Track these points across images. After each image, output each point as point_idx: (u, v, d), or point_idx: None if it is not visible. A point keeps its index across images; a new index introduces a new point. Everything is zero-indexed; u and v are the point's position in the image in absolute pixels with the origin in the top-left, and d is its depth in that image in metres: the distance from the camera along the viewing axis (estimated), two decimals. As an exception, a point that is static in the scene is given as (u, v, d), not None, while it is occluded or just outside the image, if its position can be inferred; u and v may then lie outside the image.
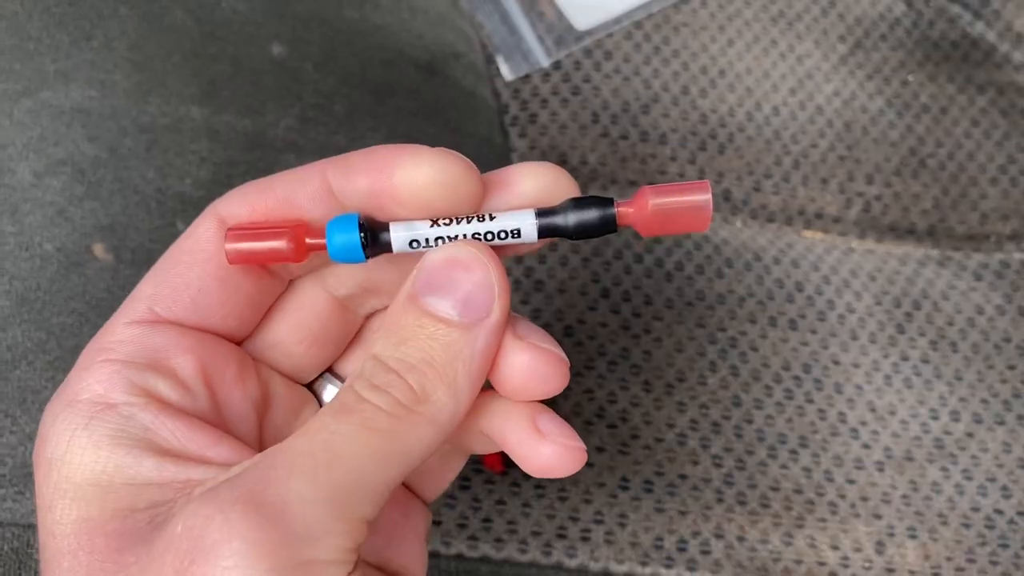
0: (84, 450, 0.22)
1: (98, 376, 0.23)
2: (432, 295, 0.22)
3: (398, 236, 0.23)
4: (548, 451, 0.24)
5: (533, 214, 0.23)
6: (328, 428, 0.21)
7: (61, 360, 0.37)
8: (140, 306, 0.24)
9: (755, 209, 0.49)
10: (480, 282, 0.22)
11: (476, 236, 0.23)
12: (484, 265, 0.22)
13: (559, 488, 0.39)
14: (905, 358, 0.45)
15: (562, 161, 0.48)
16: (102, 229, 0.39)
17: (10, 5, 0.42)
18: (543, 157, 0.48)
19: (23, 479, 0.35)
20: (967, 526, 0.41)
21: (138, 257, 0.38)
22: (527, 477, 0.39)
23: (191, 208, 0.40)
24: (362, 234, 0.22)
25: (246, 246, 0.23)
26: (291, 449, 0.21)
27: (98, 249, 0.39)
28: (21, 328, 0.37)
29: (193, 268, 0.24)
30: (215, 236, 0.24)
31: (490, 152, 0.47)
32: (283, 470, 0.20)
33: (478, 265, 0.22)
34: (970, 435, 0.43)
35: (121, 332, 0.23)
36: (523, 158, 0.48)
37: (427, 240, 0.23)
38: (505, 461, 0.39)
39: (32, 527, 0.35)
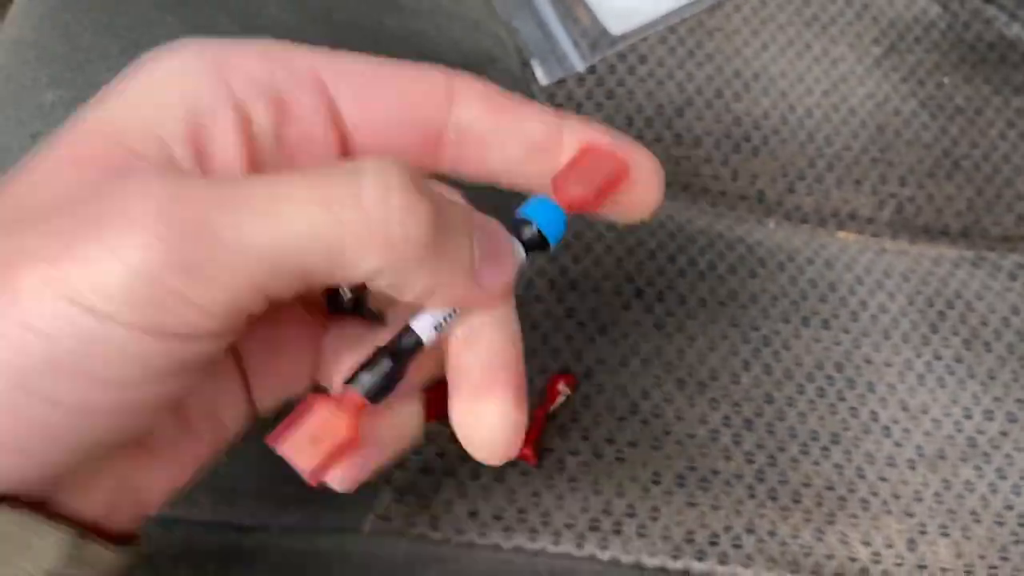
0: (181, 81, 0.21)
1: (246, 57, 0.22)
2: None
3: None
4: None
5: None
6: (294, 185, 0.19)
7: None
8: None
9: (789, 211, 0.50)
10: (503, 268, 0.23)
11: None
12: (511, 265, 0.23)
13: (593, 481, 0.40)
14: (938, 357, 0.45)
15: (597, 163, 0.49)
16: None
17: (62, 15, 0.44)
18: (578, 159, 0.49)
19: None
20: (1001, 524, 0.41)
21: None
22: (562, 470, 0.40)
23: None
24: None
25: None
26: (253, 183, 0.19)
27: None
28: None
29: None
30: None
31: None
32: (236, 196, 0.18)
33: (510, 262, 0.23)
34: (1004, 434, 0.43)
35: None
36: (558, 160, 0.49)
37: None
38: (538, 454, 0.40)
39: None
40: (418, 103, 0.22)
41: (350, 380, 0.21)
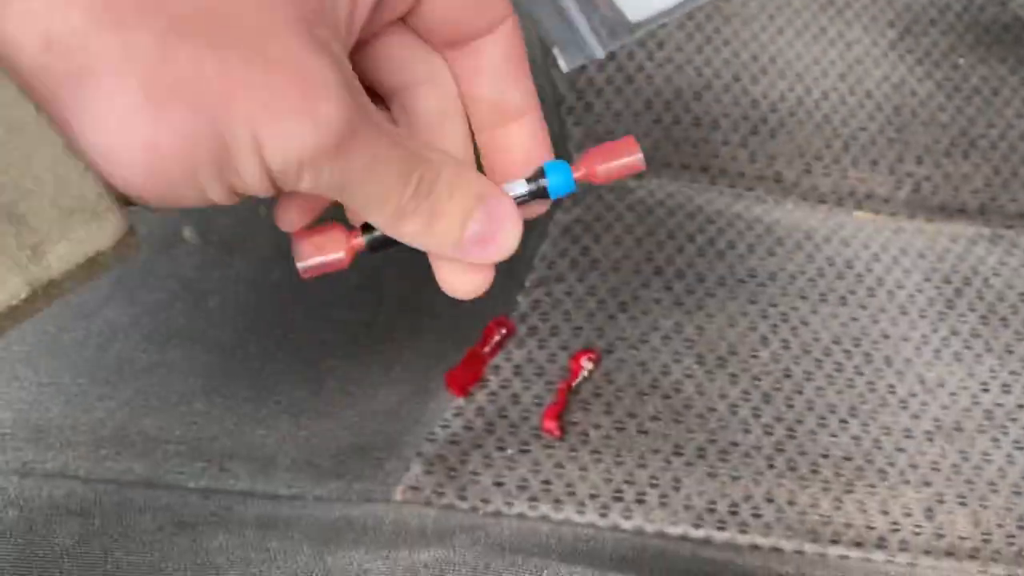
0: None
1: None
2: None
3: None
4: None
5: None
6: None
7: (155, 333, 0.40)
8: None
9: (806, 191, 0.51)
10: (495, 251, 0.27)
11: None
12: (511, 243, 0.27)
13: (615, 453, 0.41)
14: (955, 332, 0.46)
15: (617, 147, 0.50)
16: (190, 214, 0.42)
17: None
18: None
19: (120, 442, 0.39)
20: (1018, 494, 0.42)
21: (224, 239, 0.42)
22: (584, 442, 0.41)
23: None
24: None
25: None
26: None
27: (187, 233, 0.42)
28: (118, 306, 0.41)
29: None
30: None
31: (548, 139, 0.50)
32: None
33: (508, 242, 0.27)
34: (1021, 407, 0.44)
35: None
36: (579, 147, 0.50)
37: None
38: (562, 427, 0.41)
39: (128, 485, 0.38)
40: None
41: (365, 229, 0.27)
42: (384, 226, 0.25)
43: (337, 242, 0.26)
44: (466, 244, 0.25)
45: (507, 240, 0.26)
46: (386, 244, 0.26)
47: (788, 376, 0.44)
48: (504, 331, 0.43)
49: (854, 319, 0.46)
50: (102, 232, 0.20)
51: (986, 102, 0.52)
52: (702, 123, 0.51)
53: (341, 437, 0.40)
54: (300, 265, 0.26)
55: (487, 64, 0.26)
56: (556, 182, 0.27)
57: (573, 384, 0.42)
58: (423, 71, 0.26)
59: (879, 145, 0.51)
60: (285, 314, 0.41)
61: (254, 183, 0.22)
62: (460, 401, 0.42)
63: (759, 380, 0.43)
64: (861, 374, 0.44)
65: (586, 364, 0.42)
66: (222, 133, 0.20)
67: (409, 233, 0.25)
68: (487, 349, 0.43)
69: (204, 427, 0.39)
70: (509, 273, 0.45)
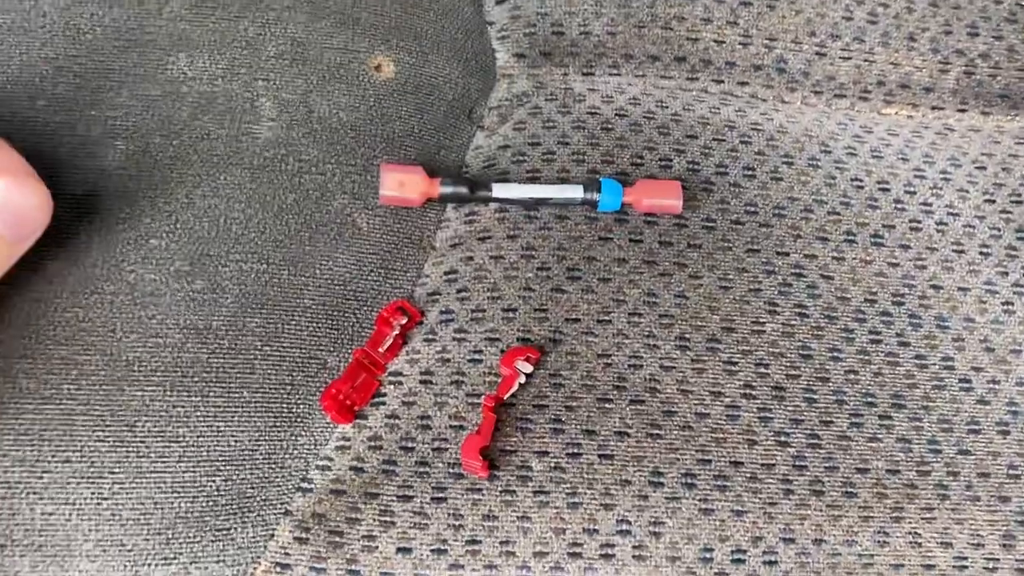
0: None
1: None
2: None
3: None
4: None
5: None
6: None
7: None
8: None
9: (819, 81, 0.37)
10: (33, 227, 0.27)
11: (542, 198, 0.32)
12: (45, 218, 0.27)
13: (569, 491, 0.29)
14: (1031, 275, 0.34)
15: (558, 33, 0.36)
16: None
17: None
18: (530, 31, 0.36)
19: None
20: (1125, 503, 0.30)
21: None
22: (524, 482, 0.29)
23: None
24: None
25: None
26: None
27: None
28: None
29: None
30: None
31: (458, 29, 0.35)
32: None
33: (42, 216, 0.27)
34: (1123, 375, 0.32)
35: None
36: (504, 34, 0.36)
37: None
38: (491, 460, 0.29)
39: None
40: None
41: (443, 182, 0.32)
42: None
43: (416, 184, 0.31)
44: None
45: None
46: (458, 199, 0.32)
47: (807, 357, 0.31)
48: (405, 320, 0.30)
49: (893, 264, 0.33)
50: None
51: (1059, -58, 0.38)
52: (674, -6, 0.36)
53: (166, 503, 0.27)
54: (382, 192, 0.31)
55: None
56: (607, 200, 0.32)
57: (505, 396, 0.29)
58: None
59: (918, 11, 0.37)
60: (54, 329, 0.28)
61: None
62: (345, 429, 0.29)
63: (766, 366, 0.31)
64: (906, 344, 0.32)
65: (522, 367, 0.29)
66: None
67: None
68: (382, 349, 0.30)
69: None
70: (412, 236, 0.32)
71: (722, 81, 0.36)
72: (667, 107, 0.35)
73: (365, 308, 0.30)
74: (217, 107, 0.31)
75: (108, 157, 0.30)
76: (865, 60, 0.37)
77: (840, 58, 0.37)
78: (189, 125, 0.31)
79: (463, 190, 0.32)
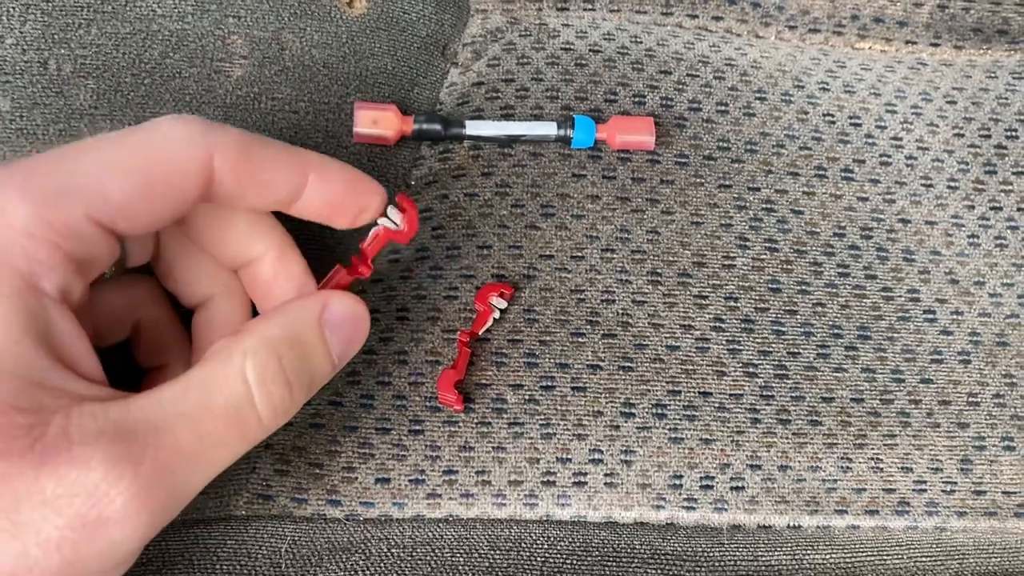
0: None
1: (36, 249, 0.21)
2: (334, 333, 0.25)
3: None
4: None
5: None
6: (209, 414, 0.22)
7: None
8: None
9: (793, 16, 0.37)
10: (360, 342, 0.26)
11: (516, 135, 0.32)
12: (368, 330, 0.26)
13: (542, 423, 0.30)
14: (997, 207, 0.34)
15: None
16: None
17: None
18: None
19: None
20: (1080, 428, 0.32)
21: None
22: (499, 414, 0.30)
23: None
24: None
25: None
26: (168, 415, 0.21)
27: None
28: None
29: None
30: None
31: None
32: (168, 442, 0.21)
33: (366, 328, 0.26)
34: (1083, 305, 0.33)
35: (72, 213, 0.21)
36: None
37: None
38: (467, 394, 0.30)
39: None
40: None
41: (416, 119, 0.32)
42: None
43: (389, 122, 0.31)
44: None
45: (359, 336, 0.26)
46: (432, 136, 0.32)
47: (776, 291, 0.32)
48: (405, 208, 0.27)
49: (862, 198, 0.34)
50: None
51: None
52: (648, -73, 0.36)
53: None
54: (356, 130, 0.31)
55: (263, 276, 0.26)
56: (580, 137, 0.32)
57: (480, 332, 0.30)
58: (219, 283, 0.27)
59: (893, -56, 0.37)
60: None
61: None
62: (323, 365, 0.30)
63: (736, 300, 0.32)
64: (873, 277, 0.33)
65: (497, 303, 0.30)
66: None
67: None
68: (365, 245, 0.27)
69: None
70: (387, 175, 0.32)
71: (696, 16, 0.36)
72: (641, 42, 0.35)
73: (341, 247, 0.31)
74: (188, 45, 0.31)
75: (79, 97, 0.30)
76: (839, -6, 0.37)
77: (815, -8, 0.37)
78: (160, 64, 0.31)
79: (436, 127, 0.32)
